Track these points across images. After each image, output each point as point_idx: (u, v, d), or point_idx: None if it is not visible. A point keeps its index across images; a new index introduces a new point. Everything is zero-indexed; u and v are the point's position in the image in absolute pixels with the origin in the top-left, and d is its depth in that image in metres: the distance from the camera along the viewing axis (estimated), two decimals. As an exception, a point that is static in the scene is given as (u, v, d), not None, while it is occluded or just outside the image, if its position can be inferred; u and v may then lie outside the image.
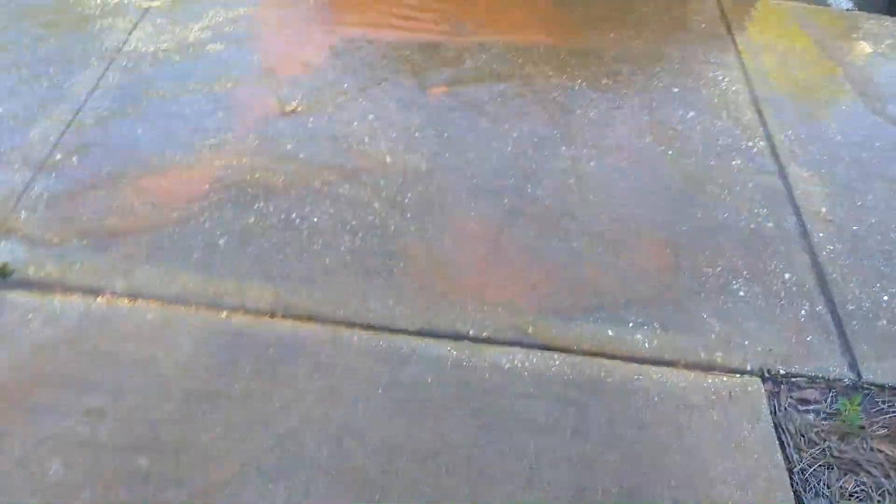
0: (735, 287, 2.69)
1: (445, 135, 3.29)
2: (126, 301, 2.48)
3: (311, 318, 2.49)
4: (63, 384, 2.22)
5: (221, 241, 2.73)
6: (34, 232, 2.70)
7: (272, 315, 2.49)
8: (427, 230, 2.84)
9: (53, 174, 2.93)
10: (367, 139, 3.24)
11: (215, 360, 2.31)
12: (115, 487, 1.98)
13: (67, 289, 2.50)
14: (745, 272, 2.75)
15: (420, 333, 2.47)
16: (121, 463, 2.04)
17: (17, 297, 2.46)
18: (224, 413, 2.18)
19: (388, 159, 3.14)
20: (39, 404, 2.17)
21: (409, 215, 2.89)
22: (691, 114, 3.54)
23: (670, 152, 3.29)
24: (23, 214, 2.76)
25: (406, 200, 2.95)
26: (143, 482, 2.00)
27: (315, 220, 2.85)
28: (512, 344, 2.45)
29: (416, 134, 3.28)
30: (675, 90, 3.71)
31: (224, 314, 2.47)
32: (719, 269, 2.75)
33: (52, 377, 2.24)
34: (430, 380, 2.31)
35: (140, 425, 2.13)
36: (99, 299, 2.47)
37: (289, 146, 3.17)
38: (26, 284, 2.51)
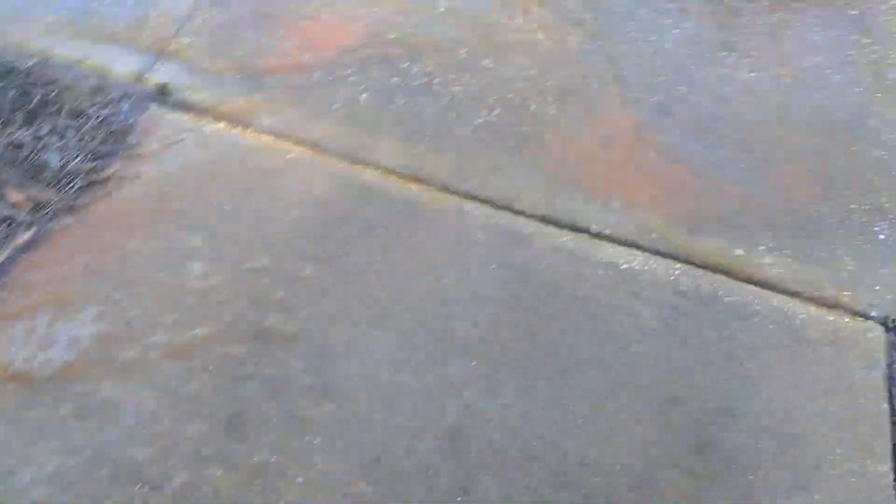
0: (877, 229, 2.50)
1: (601, 20, 3.12)
2: (269, 138, 2.54)
3: (437, 185, 2.49)
4: (203, 204, 2.32)
5: (363, 96, 2.73)
6: (195, 58, 2.77)
7: (401, 176, 2.50)
8: (567, 116, 2.74)
9: (216, 6, 2.98)
10: (520, 14, 3.11)
11: (342, 209, 2.36)
12: (234, 302, 2.09)
13: (219, 117, 2.58)
14: (891, 215, 2.55)
15: (541, 219, 2.43)
16: (243, 283, 2.14)
17: (173, 117, 2.56)
18: (342, 258, 2.23)
19: (539, 37, 3.02)
20: (181, 217, 2.28)
21: (550, 98, 2.80)
22: (866, 40, 3.22)
23: (837, 77, 3.02)
24: (185, 40, 2.84)
25: (550, 83, 2.85)
26: (259, 304, 2.10)
27: (456, 89, 2.80)
28: (633, 245, 2.38)
29: (572, 15, 3.13)
30: (853, 12, 3.36)
31: (356, 167, 2.50)
32: (865, 207, 2.56)
33: (195, 196, 2.34)
34: (543, 265, 2.28)
35: (265, 254, 2.21)
36: (246, 132, 2.54)
37: (441, 9, 3.09)
38: (183, 107, 2.60)
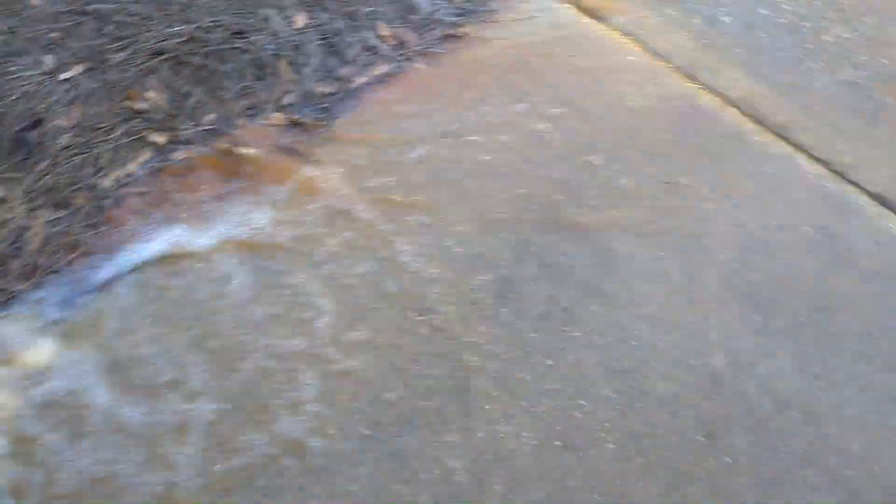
0: None
1: None
2: (619, 36, 2.43)
3: (772, 128, 2.24)
4: (540, 82, 2.29)
5: (726, 19, 2.50)
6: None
7: (738, 108, 2.29)
8: (945, 97, 2.33)
9: None
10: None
11: (669, 125, 2.21)
12: (540, 183, 2.07)
13: (578, 4, 2.51)
14: None
15: (877, 197, 2.11)
16: (555, 168, 2.10)
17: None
18: (655, 172, 2.10)
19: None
20: (515, 87, 2.27)
21: (931, 73, 2.38)
22: None
23: None
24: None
25: (938, 56, 2.42)
26: (563, 191, 2.05)
27: (826, 38, 2.47)
28: (976, 256, 2.01)
29: None
30: None
31: (695, 87, 2.32)
32: None
33: (534, 72, 2.31)
34: (863, 245, 1.99)
35: (581, 144, 2.15)
36: (598, 25, 2.46)
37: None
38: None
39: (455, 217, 1.97)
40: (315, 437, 1.59)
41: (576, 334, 1.80)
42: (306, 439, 1.58)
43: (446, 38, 2.34)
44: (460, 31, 2.36)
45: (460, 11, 2.40)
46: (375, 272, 1.85)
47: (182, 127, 2.05)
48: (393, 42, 2.29)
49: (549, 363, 1.74)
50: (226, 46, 2.17)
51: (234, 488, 1.51)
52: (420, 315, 1.79)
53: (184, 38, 2.16)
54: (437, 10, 2.37)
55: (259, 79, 2.17)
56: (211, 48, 2.16)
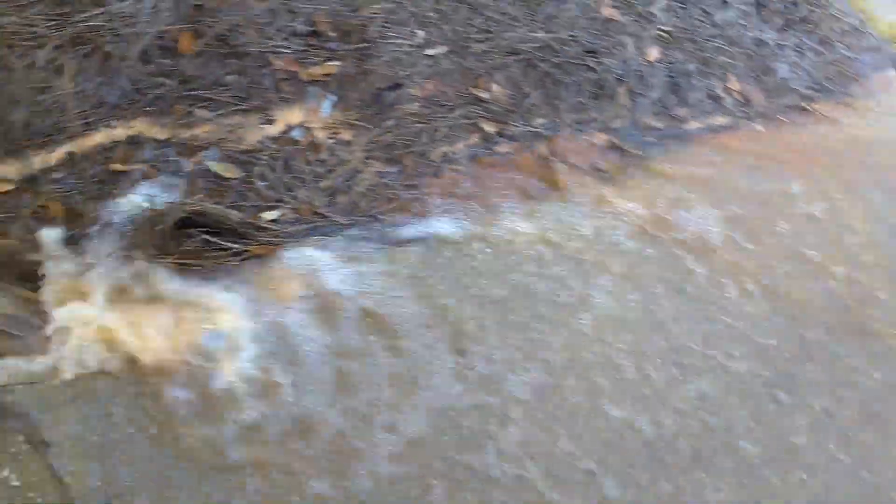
0: None
1: None
2: None
3: None
4: (879, 179, 2.04)
5: None
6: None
7: None
8: None
9: None
10: None
11: None
12: (845, 279, 1.85)
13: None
14: None
15: None
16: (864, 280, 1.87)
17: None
18: None
19: None
20: (850, 177, 2.04)
21: None
22: None
23: None
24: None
25: None
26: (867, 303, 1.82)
27: None
28: None
29: None
30: None
31: None
32: None
33: (876, 169, 2.07)
34: None
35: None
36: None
37: None
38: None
39: (744, 294, 1.81)
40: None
41: (841, 457, 1.59)
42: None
43: (795, 108, 2.16)
44: (812, 105, 2.17)
45: (817, 87, 2.21)
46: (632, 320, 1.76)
47: (512, 123, 2.10)
48: (739, 97, 2.16)
49: (803, 476, 1.56)
50: (576, 61, 2.18)
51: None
52: (680, 373, 1.67)
53: (540, 45, 2.20)
54: (794, 79, 2.19)
55: (595, 98, 2.16)
56: (561, 59, 2.18)
